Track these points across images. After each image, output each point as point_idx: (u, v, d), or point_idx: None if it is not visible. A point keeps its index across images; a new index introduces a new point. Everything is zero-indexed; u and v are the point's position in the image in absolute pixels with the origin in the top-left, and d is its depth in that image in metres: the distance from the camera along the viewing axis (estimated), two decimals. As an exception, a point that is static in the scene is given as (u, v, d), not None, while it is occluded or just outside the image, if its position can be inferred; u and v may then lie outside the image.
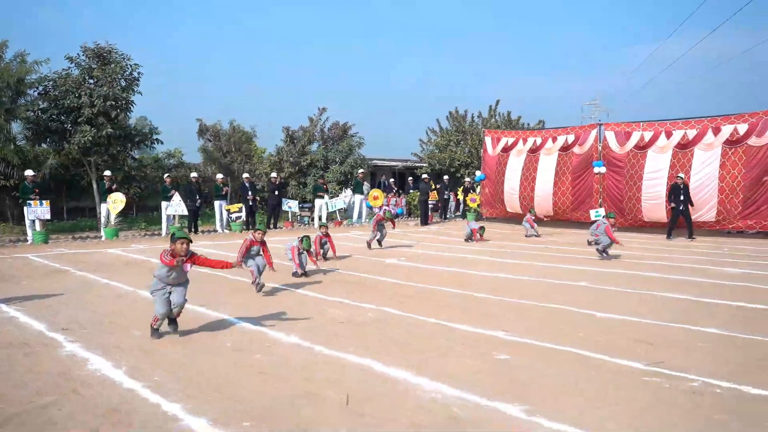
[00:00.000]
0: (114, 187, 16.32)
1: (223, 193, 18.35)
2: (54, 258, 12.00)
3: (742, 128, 16.74)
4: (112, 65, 19.22)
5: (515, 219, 21.12)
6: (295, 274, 9.45)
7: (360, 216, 21.18)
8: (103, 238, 15.72)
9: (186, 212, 16.85)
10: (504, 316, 6.79)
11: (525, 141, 21.85)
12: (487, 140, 23.28)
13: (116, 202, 15.81)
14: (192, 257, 5.61)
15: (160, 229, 17.63)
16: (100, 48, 19.48)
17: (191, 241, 5.65)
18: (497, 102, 28.69)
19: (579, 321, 6.59)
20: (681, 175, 16.42)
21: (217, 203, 18.12)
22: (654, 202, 18.02)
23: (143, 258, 12.08)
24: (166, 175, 18.13)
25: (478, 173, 23.61)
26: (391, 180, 26.68)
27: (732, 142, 16.84)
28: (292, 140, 24.74)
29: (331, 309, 7.13)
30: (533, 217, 17.61)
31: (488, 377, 4.63)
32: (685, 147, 17.65)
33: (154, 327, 5.66)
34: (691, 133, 17.63)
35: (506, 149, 22.26)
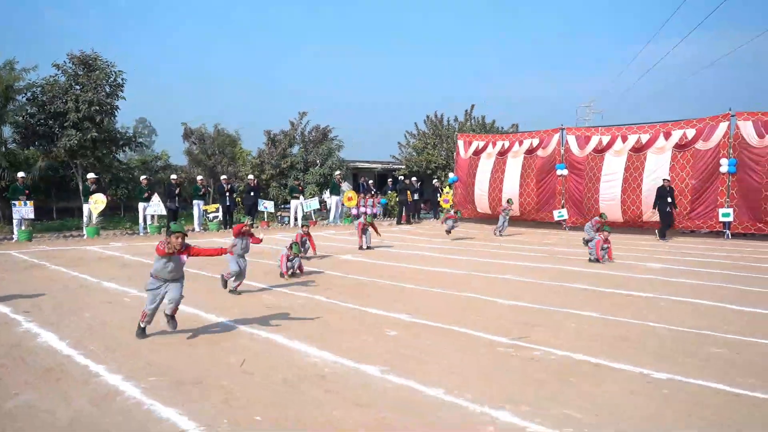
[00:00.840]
0: (95, 188, 17.20)
1: (202, 193, 19.24)
2: (34, 254, 12.94)
3: (691, 133, 17.72)
4: (97, 72, 20.16)
5: (486, 219, 22.08)
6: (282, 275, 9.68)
7: (336, 216, 22.11)
8: (84, 237, 16.63)
9: (165, 212, 17.81)
10: (418, 302, 7.72)
11: (494, 144, 22.81)
12: (460, 143, 24.24)
13: (97, 202, 16.75)
14: (187, 249, 5.79)
15: (138, 228, 18.49)
16: (85, 56, 20.42)
17: (186, 235, 5.80)
18: (472, 106, 29.73)
19: (481, 307, 7.52)
20: (666, 177, 17.12)
21: (195, 203, 19.05)
22: (610, 202, 18.97)
23: (117, 254, 13.01)
24: (142, 177, 19.07)
25: (451, 175, 24.57)
26: (370, 182, 27.61)
27: (681, 146, 17.80)
28: (273, 143, 25.69)
29: (265, 296, 8.10)
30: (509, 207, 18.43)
31: (369, 348, 5.58)
32: (638, 151, 18.61)
33: (142, 325, 5.79)
34: (645, 138, 18.60)
35: (477, 152, 23.22)
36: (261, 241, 9.43)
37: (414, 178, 25.92)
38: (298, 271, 9.81)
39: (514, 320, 6.74)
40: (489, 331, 6.17)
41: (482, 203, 22.79)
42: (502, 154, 22.29)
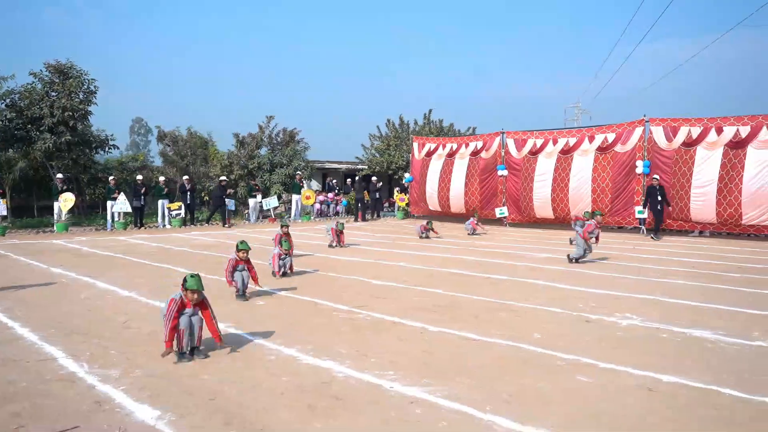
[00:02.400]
0: (64, 187, 18.82)
1: (165, 192, 20.86)
2: (4, 247, 14.56)
3: (611, 137, 19.35)
4: (71, 80, 21.76)
5: (437, 216, 23.73)
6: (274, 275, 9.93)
7: (297, 214, 23.74)
8: (54, 232, 18.25)
9: (130, 209, 19.45)
10: (351, 291, 9.20)
11: (444, 146, 24.45)
12: (415, 146, 25.88)
13: (67, 200, 18.38)
14: (202, 305, 5.42)
15: (106, 224, 20.07)
16: (60, 64, 22.03)
17: (203, 290, 5.35)
18: (430, 111, 31.47)
19: (398, 292, 8.69)
20: (656, 176, 17.33)
21: (159, 202, 20.68)
22: (543, 201, 20.63)
23: (77, 247, 14.63)
24: (110, 177, 20.71)
25: (406, 175, 26.23)
26: (334, 181, 29.31)
27: (603, 149, 19.44)
28: (241, 145, 27.32)
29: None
30: (476, 220, 18.93)
31: (271, 322, 7.20)
32: (566, 153, 20.25)
33: (176, 350, 5.26)
34: (572, 141, 20.24)
35: (429, 154, 24.86)
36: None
37: (375, 179, 27.59)
38: (288, 271, 10.02)
39: (415, 305, 7.89)
40: (338, 302, 7.82)
41: (433, 201, 24.43)
42: (451, 155, 23.93)
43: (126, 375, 4.92)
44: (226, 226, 20.51)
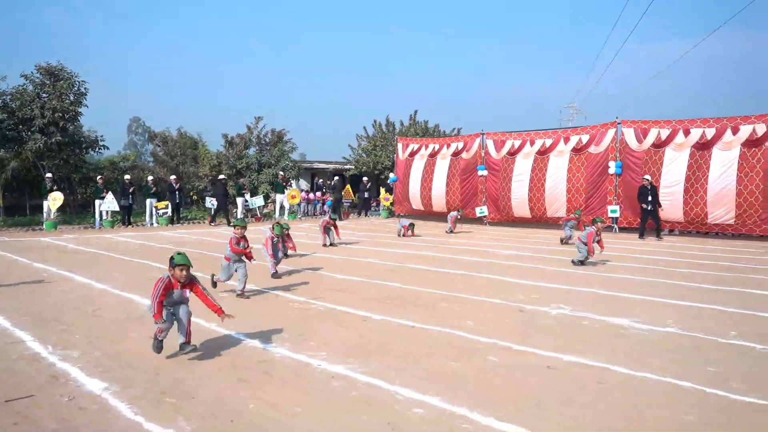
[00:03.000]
0: (53, 187, 19.36)
1: (153, 191, 21.40)
2: (-8, 244, 15.10)
3: (585, 138, 19.93)
4: (61, 82, 22.29)
5: (420, 216, 24.31)
6: (274, 275, 9.88)
7: (282, 212, 24.29)
8: (43, 230, 18.79)
9: (117, 208, 20.00)
10: (313, 284, 9.78)
11: (426, 147, 25.03)
12: (399, 146, 26.46)
13: (55, 199, 18.91)
14: (192, 284, 5.34)
15: (94, 222, 20.59)
16: (51, 66, 22.55)
17: (191, 266, 5.30)
18: (416, 112, 32.07)
19: (357, 286, 9.29)
20: (647, 177, 17.19)
21: (147, 201, 21.22)
22: (520, 200, 21.21)
23: (63, 244, 15.16)
24: (99, 176, 21.24)
25: (391, 175, 26.80)
26: (320, 180, 29.87)
27: (577, 150, 20.02)
28: (230, 145, 27.88)
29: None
30: (458, 215, 19.59)
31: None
32: (543, 154, 20.83)
33: (159, 338, 5.24)
34: (548, 142, 20.81)
35: (412, 154, 25.44)
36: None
37: (365, 179, 28.16)
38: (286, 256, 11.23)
39: (327, 287, 8.90)
40: (296, 294, 8.38)
41: (416, 200, 25.01)
42: (433, 156, 24.51)
43: (85, 355, 5.47)
44: (213, 224, 21.11)
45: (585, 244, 11.01)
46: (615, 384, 4.71)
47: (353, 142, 32.54)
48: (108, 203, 19.87)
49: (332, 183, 27.14)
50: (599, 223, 11.37)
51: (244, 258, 8.36)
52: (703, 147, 17.23)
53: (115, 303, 7.77)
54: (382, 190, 26.71)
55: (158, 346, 5.29)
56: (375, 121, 31.84)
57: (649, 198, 16.70)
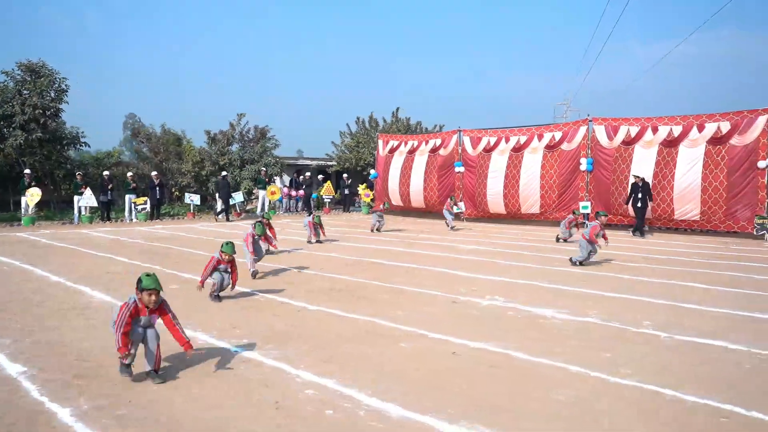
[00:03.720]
0: (31, 183, 19.58)
1: (132, 188, 21.62)
2: (-34, 238, 15.33)
3: (558, 135, 20.18)
4: (42, 79, 22.48)
5: (400, 211, 24.57)
6: (254, 274, 9.67)
7: (263, 208, 24.54)
8: (21, 225, 19.00)
9: (96, 204, 20.22)
10: (274, 279, 10.03)
11: (406, 143, 25.26)
12: (380, 143, 26.68)
13: (33, 195, 19.13)
14: (162, 310, 4.74)
15: (73, 218, 20.80)
16: (32, 64, 22.74)
17: (161, 290, 4.68)
18: (398, 108, 32.31)
19: (308, 278, 9.63)
20: (637, 174, 17.02)
21: (126, 197, 21.45)
22: (495, 196, 21.46)
23: (36, 239, 15.39)
24: (77, 173, 21.45)
25: (372, 171, 27.04)
26: (301, 177, 30.13)
27: (550, 147, 20.27)
28: (213, 142, 28.10)
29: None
30: (452, 203, 19.34)
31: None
32: (517, 151, 21.07)
33: (125, 362, 4.59)
34: (523, 139, 21.05)
35: (392, 150, 25.66)
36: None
37: (345, 175, 28.43)
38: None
39: (279, 280, 9.13)
40: (244, 286, 8.63)
41: (395, 196, 25.23)
42: (411, 152, 24.73)
43: (16, 343, 5.72)
44: (219, 218, 21.64)
45: (589, 241, 10.57)
46: (507, 368, 4.96)
47: (337, 140, 32.80)
48: (86, 199, 20.08)
49: (302, 179, 27.40)
50: (603, 217, 11.11)
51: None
52: (670, 144, 17.49)
53: (63, 295, 8.01)
54: (361, 187, 26.94)
55: (126, 371, 4.61)
56: (358, 118, 32.09)
57: (639, 195, 16.57)
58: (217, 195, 23.43)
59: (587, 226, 11.32)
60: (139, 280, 4.62)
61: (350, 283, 9.04)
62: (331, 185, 27.20)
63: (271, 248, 12.01)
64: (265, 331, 6.15)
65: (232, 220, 21.44)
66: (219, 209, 22.44)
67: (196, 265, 10.65)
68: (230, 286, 7.72)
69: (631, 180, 17.23)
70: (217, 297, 7.64)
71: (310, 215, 15.38)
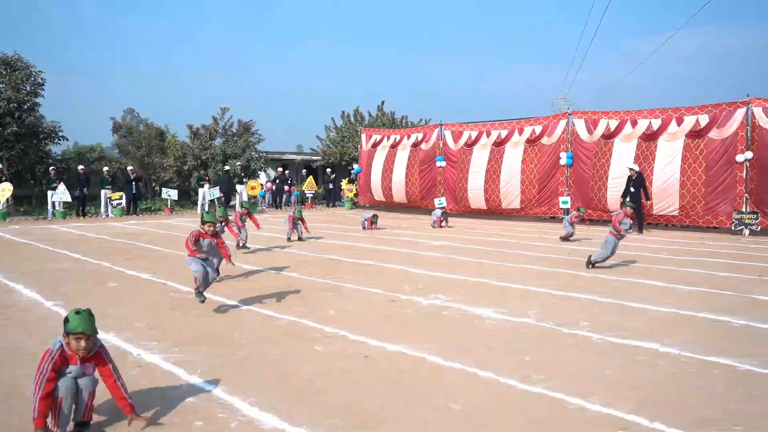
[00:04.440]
0: (4, 177, 19.33)
1: (110, 182, 21.36)
2: (-72, 234, 15.07)
3: (538, 129, 19.87)
4: (17, 72, 22.18)
5: (382, 207, 24.28)
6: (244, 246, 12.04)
7: (242, 204, 24.27)
8: (-8, 220, 18.76)
9: (69, 198, 19.94)
10: (239, 279, 9.83)
11: (388, 138, 24.96)
12: (363, 137, 26.38)
13: (5, 190, 18.88)
14: (99, 358, 3.57)
15: (46, 212, 20.56)
16: (7, 57, 22.43)
17: (95, 334, 3.51)
18: (383, 102, 31.98)
19: (257, 276, 9.41)
20: (631, 166, 16.34)
21: (102, 191, 21.18)
22: (476, 191, 21.15)
23: (1, 234, 15.12)
24: (51, 167, 21.19)
25: (355, 166, 26.75)
26: (287, 171, 29.89)
27: (531, 141, 19.96)
28: (195, 136, 27.81)
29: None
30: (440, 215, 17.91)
31: (102, 296, 7.73)
32: (499, 145, 20.76)
33: (64, 411, 3.41)
34: (504, 133, 20.74)
35: (374, 145, 25.37)
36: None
37: (329, 170, 28.18)
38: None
39: (228, 278, 8.84)
40: (186, 284, 8.35)
41: (377, 191, 24.95)
42: (394, 147, 24.44)
43: None
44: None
45: (616, 237, 9.64)
46: (415, 373, 4.67)
47: (322, 134, 32.47)
48: (60, 194, 19.82)
49: (276, 174, 27.14)
50: (628, 208, 9.92)
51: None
52: (650, 138, 17.18)
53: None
54: (344, 182, 26.63)
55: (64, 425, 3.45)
56: (343, 112, 31.76)
57: (632, 189, 15.90)
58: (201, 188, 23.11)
59: (614, 215, 10.01)
60: (66, 320, 3.43)
61: (296, 280, 8.76)
62: (313, 180, 26.91)
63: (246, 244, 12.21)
64: (179, 332, 5.86)
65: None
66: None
67: (149, 261, 10.43)
68: (219, 267, 7.10)
69: (628, 173, 16.56)
70: (200, 294, 6.82)
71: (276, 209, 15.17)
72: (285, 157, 33.76)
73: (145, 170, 28.42)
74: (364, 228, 16.85)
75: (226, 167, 23.94)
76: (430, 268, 9.91)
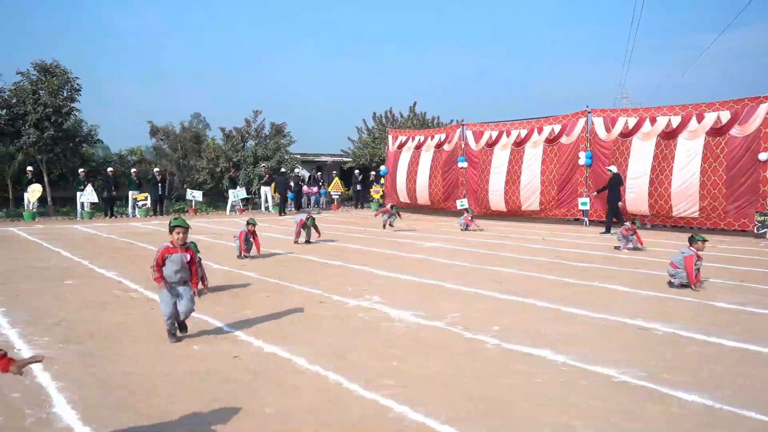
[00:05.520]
0: (32, 179, 20.24)
1: (138, 184, 22.09)
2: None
3: (557, 128, 19.26)
4: (54, 78, 23.17)
5: (406, 208, 24.10)
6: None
7: (267, 206, 24.61)
8: (21, 220, 19.64)
9: (96, 200, 20.70)
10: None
11: (413, 139, 24.75)
12: (390, 138, 26.26)
13: (34, 191, 19.76)
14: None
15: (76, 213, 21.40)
16: (45, 64, 23.46)
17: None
18: (414, 103, 31.76)
19: (222, 273, 9.66)
20: (609, 168, 16.48)
21: (129, 193, 21.91)
22: (497, 193, 20.69)
23: (20, 234, 15.80)
24: (80, 170, 21.99)
25: (382, 168, 26.66)
26: (318, 173, 30.08)
27: (550, 141, 19.37)
28: (228, 139, 28.37)
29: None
30: (470, 216, 17.37)
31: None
32: (519, 145, 20.25)
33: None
34: (523, 133, 20.21)
35: (400, 146, 25.20)
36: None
37: (357, 171, 28.21)
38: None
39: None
40: (136, 282, 8.48)
41: (402, 193, 24.78)
42: (418, 148, 24.21)
43: None
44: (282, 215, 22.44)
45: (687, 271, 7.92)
46: (263, 377, 4.56)
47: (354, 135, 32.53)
48: (87, 195, 20.58)
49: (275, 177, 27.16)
50: (700, 243, 8.07)
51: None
52: (669, 136, 16.36)
53: None
54: (374, 183, 26.65)
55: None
56: (374, 114, 31.75)
57: (604, 188, 16.20)
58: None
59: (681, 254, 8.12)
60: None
61: (254, 279, 8.75)
62: (339, 181, 26.98)
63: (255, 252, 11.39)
64: (74, 330, 5.93)
65: (283, 216, 22.21)
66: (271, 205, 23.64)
67: (129, 261, 10.66)
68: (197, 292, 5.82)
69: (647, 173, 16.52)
70: (172, 336, 5.56)
71: (282, 215, 15.01)
72: (321, 158, 34.00)
73: (180, 172, 29.21)
74: (385, 226, 16.83)
75: (282, 169, 24.44)
76: (395, 270, 9.71)
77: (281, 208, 23.33)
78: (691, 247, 8.07)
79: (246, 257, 11.00)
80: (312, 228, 13.54)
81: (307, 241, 13.66)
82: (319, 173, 29.54)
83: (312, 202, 27.75)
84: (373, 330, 5.95)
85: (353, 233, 16.15)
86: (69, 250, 12.15)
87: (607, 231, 15.73)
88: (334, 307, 6.94)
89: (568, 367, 4.76)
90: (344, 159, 32.93)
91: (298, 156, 31.38)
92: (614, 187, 15.82)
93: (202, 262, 7.12)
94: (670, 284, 8.15)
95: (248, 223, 11.11)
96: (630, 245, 12.33)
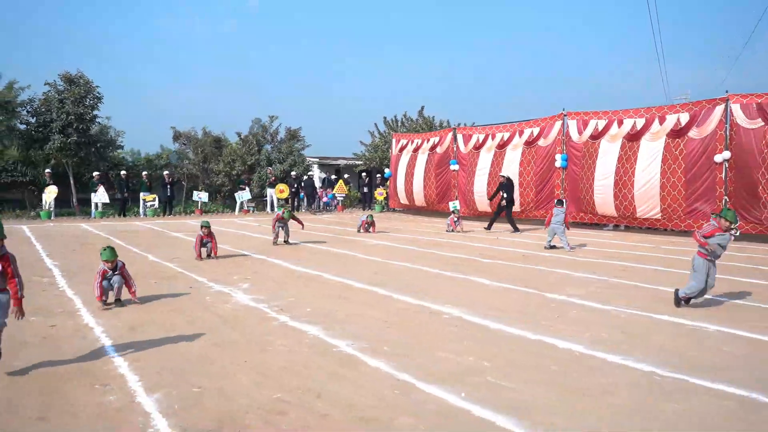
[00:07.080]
0: (49, 181, 22.07)
1: (148, 186, 23.73)
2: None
3: (536, 131, 19.63)
4: (77, 88, 25.09)
5: (406, 210, 24.84)
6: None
7: (272, 207, 25.83)
8: (38, 219, 21.48)
9: (108, 200, 22.39)
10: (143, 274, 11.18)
11: (412, 142, 25.47)
12: (393, 142, 27.07)
13: (51, 192, 21.57)
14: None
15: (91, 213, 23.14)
16: (69, 75, 25.43)
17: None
18: (422, 107, 32.40)
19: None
20: (502, 174, 18.39)
21: (141, 194, 23.55)
22: (481, 194, 21.19)
23: (23, 230, 17.44)
24: (95, 172, 23.73)
25: (386, 170, 27.47)
26: (333, 177, 31.13)
27: (529, 143, 19.75)
28: (244, 143, 29.82)
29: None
30: (455, 217, 17.72)
31: None
32: (501, 147, 20.71)
33: None
34: (506, 136, 20.66)
35: (401, 149, 25.97)
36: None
37: (364, 174, 29.15)
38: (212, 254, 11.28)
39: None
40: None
41: (402, 195, 25.53)
42: (415, 151, 24.92)
43: None
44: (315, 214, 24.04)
45: (707, 256, 7.02)
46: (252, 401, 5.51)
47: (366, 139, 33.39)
48: (99, 196, 22.27)
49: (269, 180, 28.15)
50: (722, 220, 6.96)
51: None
52: (633, 138, 16.56)
53: None
54: (380, 187, 27.55)
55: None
56: (385, 118, 32.56)
57: (504, 194, 17.39)
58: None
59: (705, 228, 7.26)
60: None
61: (181, 278, 9.77)
62: (343, 183, 27.94)
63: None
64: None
65: (316, 214, 24.15)
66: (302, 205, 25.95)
67: (85, 257, 11.83)
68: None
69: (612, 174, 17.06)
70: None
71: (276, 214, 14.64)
72: (339, 162, 35.11)
73: (201, 175, 30.87)
74: (358, 231, 17.08)
75: (310, 172, 25.88)
76: (322, 268, 10.07)
77: (309, 206, 26.04)
78: (711, 222, 7.11)
79: (202, 260, 11.06)
80: (291, 221, 13.65)
81: (286, 242, 13.61)
82: (334, 176, 30.59)
83: (322, 204, 28.79)
84: (238, 321, 6.83)
85: (340, 234, 17.01)
86: (43, 245, 13.48)
87: (516, 230, 17.02)
88: (225, 300, 7.84)
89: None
90: (356, 162, 33.88)
91: (316, 159, 32.54)
92: (507, 190, 17.34)
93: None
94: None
95: (202, 226, 11.23)
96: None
